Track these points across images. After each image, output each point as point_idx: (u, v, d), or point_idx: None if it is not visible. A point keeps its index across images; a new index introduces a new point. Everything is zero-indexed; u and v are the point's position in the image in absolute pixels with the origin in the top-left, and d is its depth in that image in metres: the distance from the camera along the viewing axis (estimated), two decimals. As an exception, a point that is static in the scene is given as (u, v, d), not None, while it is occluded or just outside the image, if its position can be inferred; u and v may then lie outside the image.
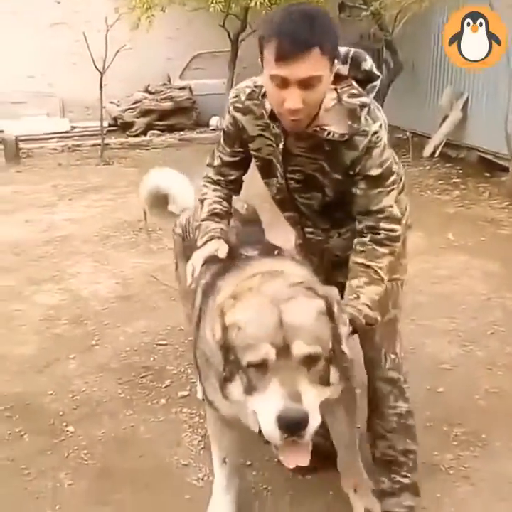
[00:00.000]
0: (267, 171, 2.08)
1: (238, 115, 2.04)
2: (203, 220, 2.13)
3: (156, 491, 2.53)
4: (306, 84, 1.71)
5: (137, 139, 10.35)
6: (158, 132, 10.62)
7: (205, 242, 2.07)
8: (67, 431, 2.90)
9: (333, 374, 1.69)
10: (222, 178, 2.18)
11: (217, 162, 2.18)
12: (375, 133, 1.84)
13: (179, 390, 3.21)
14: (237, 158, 2.14)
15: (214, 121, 11.03)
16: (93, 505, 2.46)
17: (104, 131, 9.40)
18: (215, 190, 2.18)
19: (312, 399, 1.58)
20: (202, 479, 2.58)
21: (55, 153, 9.71)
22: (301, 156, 1.96)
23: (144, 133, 10.63)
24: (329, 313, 1.70)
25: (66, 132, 10.72)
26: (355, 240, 1.95)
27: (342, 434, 2.19)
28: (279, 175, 2.04)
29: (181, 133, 10.77)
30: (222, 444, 2.20)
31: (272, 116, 1.89)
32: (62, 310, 4.15)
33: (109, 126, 10.62)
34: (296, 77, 1.69)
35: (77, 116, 11.41)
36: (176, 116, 11.05)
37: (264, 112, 1.94)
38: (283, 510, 2.33)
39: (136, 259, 5.04)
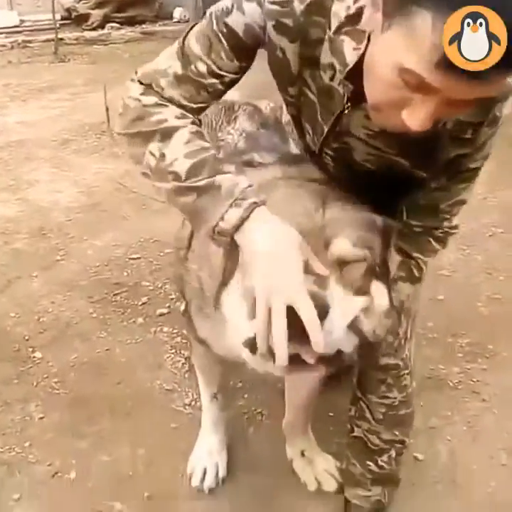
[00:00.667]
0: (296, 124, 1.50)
1: (278, 37, 1.27)
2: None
3: (138, 421, 2.27)
4: (459, 104, 1.05)
5: (94, 34, 9.45)
6: (117, 25, 9.71)
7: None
8: (34, 357, 2.60)
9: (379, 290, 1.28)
10: (193, 102, 1.36)
11: (199, 70, 1.34)
12: (500, 121, 1.29)
13: (157, 307, 2.91)
14: (234, 76, 1.37)
15: (178, 14, 10.14)
16: (68, 438, 2.20)
17: (57, 25, 8.52)
18: (182, 118, 1.34)
19: (342, 298, 1.18)
20: (189, 405, 2.34)
21: (4, 50, 8.81)
22: (361, 141, 1.36)
23: (101, 26, 9.70)
24: (384, 234, 1.32)
25: (15, 27, 9.73)
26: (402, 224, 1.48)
27: (300, 393, 1.91)
28: (310, 141, 1.48)
29: (143, 26, 9.87)
30: (212, 380, 1.93)
31: (351, 73, 1.21)
32: (21, 223, 3.73)
33: (62, 19, 9.63)
34: (457, 95, 1.01)
35: (26, 9, 10.33)
36: (135, 7, 10.08)
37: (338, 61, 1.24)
38: (280, 435, 2.10)
39: (99, 165, 4.57)
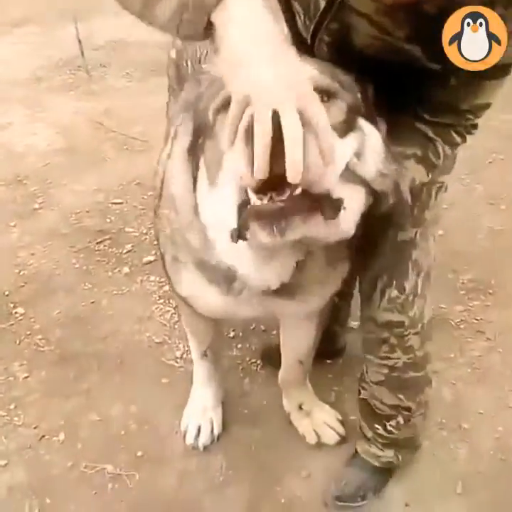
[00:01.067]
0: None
1: None
2: None
3: (128, 376, 2.17)
4: None
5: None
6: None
7: None
8: (16, 313, 2.46)
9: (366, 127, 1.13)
10: None
11: None
12: None
13: (143, 255, 2.76)
14: None
15: None
16: (55, 398, 2.10)
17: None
18: None
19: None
20: (180, 358, 2.23)
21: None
22: (365, 17, 1.15)
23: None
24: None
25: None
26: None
27: (300, 346, 1.79)
28: (301, 27, 1.30)
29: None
30: (202, 338, 1.81)
31: None
32: (-5, 170, 3.52)
33: None
34: None
35: None
36: None
37: None
38: (276, 386, 2.00)
39: (76, 103, 4.29)
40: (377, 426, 1.71)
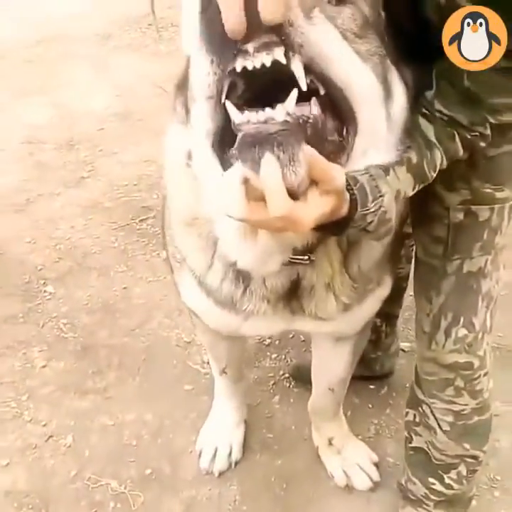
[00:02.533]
0: None
1: None
2: None
3: (149, 378, 2.00)
4: None
5: None
6: None
7: None
8: (45, 292, 2.34)
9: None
10: None
11: None
12: None
13: (185, 239, 2.56)
14: None
15: None
16: (69, 393, 1.96)
17: None
18: None
19: None
20: (207, 363, 2.02)
21: None
22: None
23: None
24: None
25: None
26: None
27: (331, 372, 1.55)
28: None
29: None
30: (219, 355, 1.60)
31: None
32: (50, 131, 3.38)
33: None
34: None
35: None
36: None
37: None
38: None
39: (141, 64, 4.11)
40: (432, 480, 1.46)
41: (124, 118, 3.50)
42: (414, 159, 1.00)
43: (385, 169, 0.96)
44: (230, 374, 1.65)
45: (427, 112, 1.02)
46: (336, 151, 0.88)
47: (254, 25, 0.76)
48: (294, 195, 0.78)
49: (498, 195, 1.16)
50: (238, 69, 0.79)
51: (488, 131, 1.02)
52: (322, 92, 0.85)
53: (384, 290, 1.28)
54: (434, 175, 1.05)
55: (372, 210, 0.93)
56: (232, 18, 0.75)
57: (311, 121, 0.82)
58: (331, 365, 1.54)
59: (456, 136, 1.02)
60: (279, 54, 0.78)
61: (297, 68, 0.80)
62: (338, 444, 1.69)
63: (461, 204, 1.18)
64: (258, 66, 0.78)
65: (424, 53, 0.99)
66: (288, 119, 0.79)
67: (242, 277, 1.14)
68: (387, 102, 0.95)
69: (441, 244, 1.23)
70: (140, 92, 3.79)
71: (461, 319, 1.28)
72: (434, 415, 1.43)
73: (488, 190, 1.15)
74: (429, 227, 1.24)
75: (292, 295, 1.15)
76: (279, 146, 0.76)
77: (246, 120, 0.80)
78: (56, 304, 2.29)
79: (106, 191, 2.89)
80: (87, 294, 2.32)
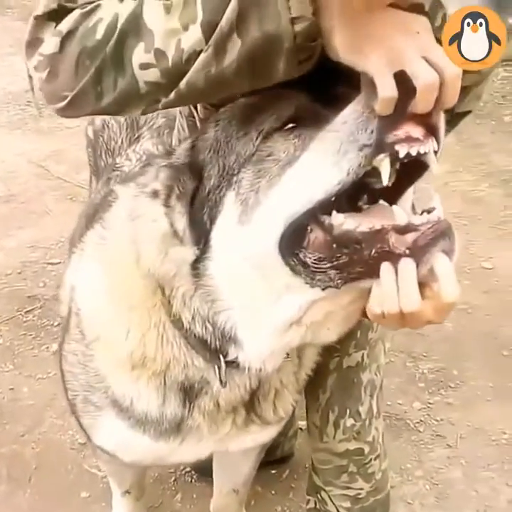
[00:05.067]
0: None
1: None
2: None
3: (42, 489, 1.89)
4: None
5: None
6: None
7: None
8: None
9: None
10: None
11: None
12: None
13: (75, 330, 2.49)
14: None
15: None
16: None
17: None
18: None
19: None
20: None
21: None
22: None
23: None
24: None
25: None
26: None
27: (236, 475, 1.56)
28: None
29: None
30: (122, 479, 1.56)
31: None
32: None
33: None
34: None
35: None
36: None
37: None
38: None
39: (21, 144, 4.03)
40: None
41: (5, 201, 3.39)
42: None
43: None
44: (133, 494, 1.60)
45: None
46: None
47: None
48: None
49: None
50: None
51: None
52: None
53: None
54: None
55: None
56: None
57: None
58: (237, 468, 1.54)
59: None
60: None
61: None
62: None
63: None
64: None
65: None
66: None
67: (189, 398, 1.10)
68: None
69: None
70: (21, 172, 3.70)
71: (347, 411, 1.36)
72: (332, 501, 1.48)
73: None
74: None
75: (250, 401, 1.13)
76: (450, 242, 0.88)
77: (425, 221, 0.86)
78: None
79: (-12, 282, 2.77)
80: (-32, 400, 2.18)
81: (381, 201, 0.94)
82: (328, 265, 0.88)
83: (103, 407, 1.18)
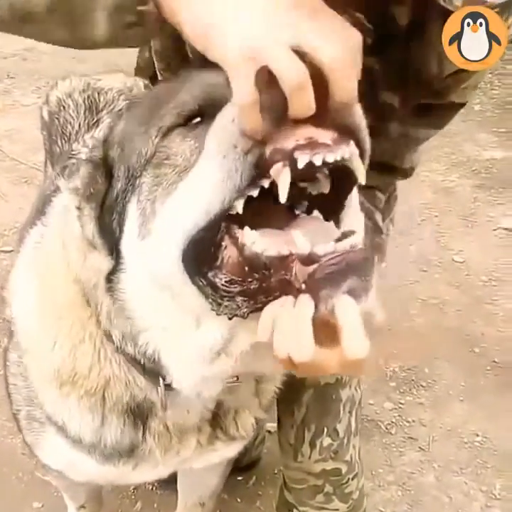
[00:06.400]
0: None
1: None
2: None
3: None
4: None
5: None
6: None
7: None
8: None
9: None
10: None
11: None
12: None
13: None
14: None
15: None
16: None
17: None
18: None
19: None
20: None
21: None
22: None
23: None
24: None
25: None
26: None
27: (203, 488, 1.45)
28: None
29: None
30: (76, 495, 1.45)
31: None
32: None
33: None
34: None
35: None
36: None
37: None
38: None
39: (-27, 122, 3.80)
40: None
41: (-46, 184, 3.18)
42: None
43: None
44: (89, 509, 1.48)
45: None
46: None
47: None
48: None
49: None
50: None
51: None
52: None
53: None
54: None
55: None
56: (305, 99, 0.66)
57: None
58: (203, 481, 1.44)
59: None
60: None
61: None
62: None
63: None
64: None
65: None
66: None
67: (140, 419, 0.98)
68: None
69: None
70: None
71: (325, 429, 1.27)
72: None
73: None
74: None
75: (214, 418, 1.03)
76: (363, 280, 0.68)
77: (331, 250, 0.68)
78: None
79: None
80: None
81: (315, 212, 0.79)
82: (238, 289, 0.73)
83: (45, 423, 1.06)
